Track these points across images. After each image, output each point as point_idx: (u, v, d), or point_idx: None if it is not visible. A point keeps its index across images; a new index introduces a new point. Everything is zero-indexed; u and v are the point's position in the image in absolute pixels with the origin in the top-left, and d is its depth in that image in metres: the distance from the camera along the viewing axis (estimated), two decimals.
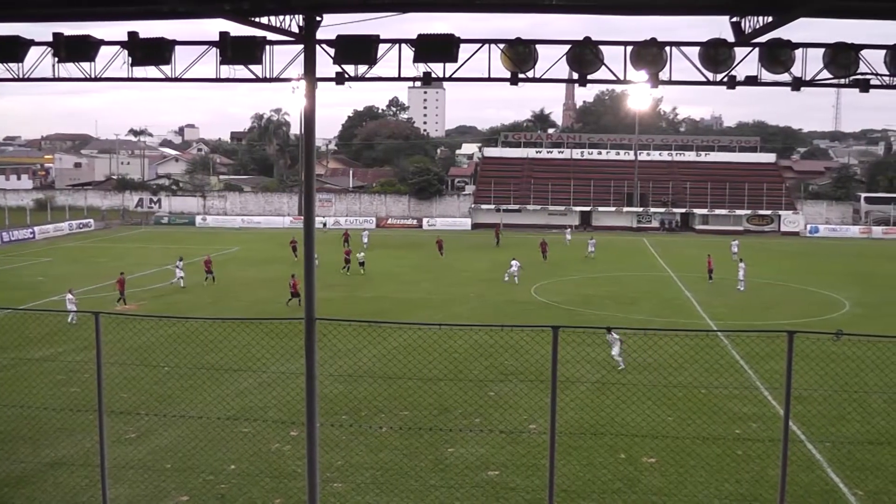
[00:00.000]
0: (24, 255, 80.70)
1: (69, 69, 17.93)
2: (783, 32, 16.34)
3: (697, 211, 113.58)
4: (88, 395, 27.60)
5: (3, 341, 40.22)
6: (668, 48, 16.52)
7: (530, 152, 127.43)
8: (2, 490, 23.47)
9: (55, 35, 17.64)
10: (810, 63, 16.41)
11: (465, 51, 16.62)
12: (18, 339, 39.91)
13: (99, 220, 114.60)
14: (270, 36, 16.89)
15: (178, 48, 17.31)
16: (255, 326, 39.05)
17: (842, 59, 16.23)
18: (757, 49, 16.40)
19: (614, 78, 16.83)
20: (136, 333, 37.49)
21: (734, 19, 16.65)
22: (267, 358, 33.26)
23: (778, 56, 16.31)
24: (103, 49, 17.59)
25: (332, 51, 16.53)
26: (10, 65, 18.06)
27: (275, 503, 22.26)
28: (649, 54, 16.49)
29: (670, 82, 16.80)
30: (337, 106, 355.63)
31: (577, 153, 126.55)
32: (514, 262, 62.37)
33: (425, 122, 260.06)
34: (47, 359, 37.07)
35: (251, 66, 17.06)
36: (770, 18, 15.96)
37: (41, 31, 18.26)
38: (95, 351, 16.97)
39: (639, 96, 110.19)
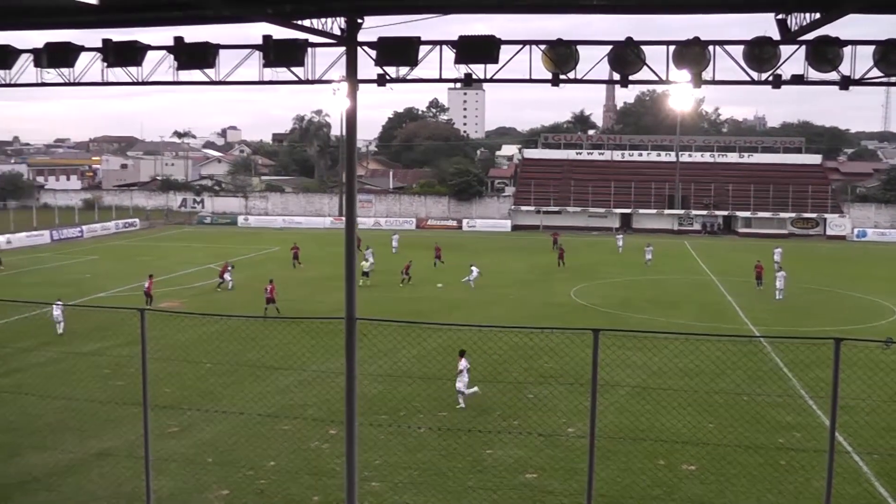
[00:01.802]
0: (72, 252, 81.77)
1: (117, 73, 18.23)
2: (831, 29, 15.95)
3: (740, 214, 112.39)
4: (133, 389, 28.01)
5: (52, 336, 40.94)
6: (711, 47, 16.19)
7: (570, 154, 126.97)
8: (50, 478, 23.93)
9: (104, 41, 17.96)
10: (859, 61, 15.96)
11: (505, 52, 16.62)
12: (67, 334, 40.49)
13: (144, 220, 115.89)
14: (312, 38, 16.99)
15: (222, 52, 17.50)
16: (295, 325, 39.28)
17: (893, 56, 15.68)
18: (803, 47, 16.00)
19: (656, 78, 16.56)
20: (178, 330, 37.92)
21: (779, 16, 16.19)
22: (307, 356, 33.43)
23: (825, 54, 15.87)
24: (150, 54, 17.85)
25: (373, 53, 16.61)
26: (62, 70, 18.41)
27: (313, 500, 22.41)
28: (692, 54, 16.21)
29: (713, 82, 16.49)
30: (377, 107, 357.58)
31: (617, 154, 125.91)
32: (473, 269, 61.36)
33: (465, 124, 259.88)
34: (94, 353, 37.65)
35: (293, 69, 17.18)
36: (817, 15, 15.57)
37: (91, 37, 18.55)
38: (140, 346, 17.19)
39: (680, 96, 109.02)
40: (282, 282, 59.87)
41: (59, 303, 42.41)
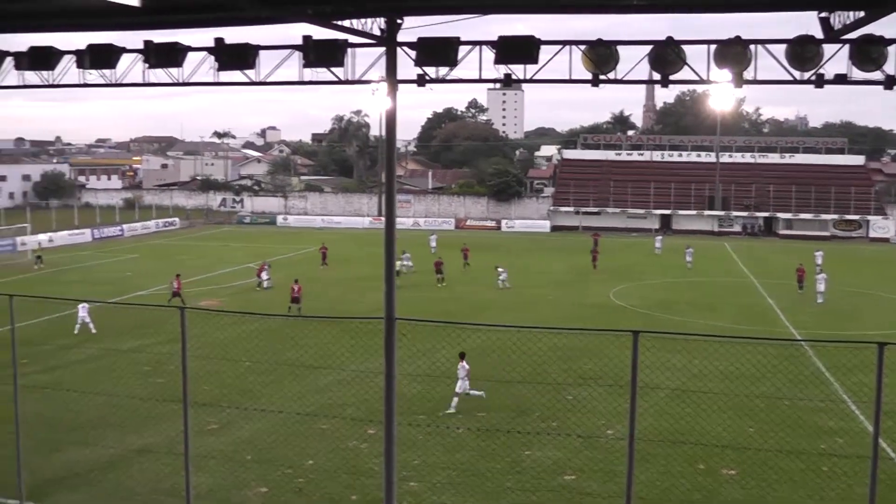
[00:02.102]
0: (112, 251, 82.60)
1: (158, 74, 18.40)
2: (875, 28, 15.71)
3: (781, 215, 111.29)
4: (173, 386, 28.24)
5: (93, 333, 41.33)
6: (752, 46, 16.02)
7: (610, 154, 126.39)
8: (91, 473, 24.22)
9: (146, 42, 18.14)
10: None
11: (545, 52, 16.57)
12: (107, 331, 40.92)
13: (184, 219, 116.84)
14: (352, 39, 17.04)
15: (262, 52, 17.60)
16: (334, 325, 39.43)
17: None
18: (847, 46, 15.78)
19: (697, 78, 16.39)
20: (218, 328, 38.20)
21: (822, 15, 15.97)
22: (345, 356, 33.54)
23: (869, 53, 15.63)
24: (191, 55, 18.02)
25: (413, 53, 16.63)
26: (104, 71, 18.59)
27: (351, 499, 22.47)
28: (733, 53, 16.02)
29: (755, 81, 16.30)
30: (416, 107, 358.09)
31: (657, 155, 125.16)
32: (500, 270, 61.24)
33: (504, 124, 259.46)
34: (135, 350, 38.03)
35: (333, 69, 17.24)
36: (861, 13, 15.32)
37: (132, 39, 18.74)
38: (181, 344, 17.33)
39: (721, 96, 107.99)
40: (319, 282, 60.25)
41: (85, 305, 43.24)
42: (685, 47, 16.29)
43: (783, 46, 16.00)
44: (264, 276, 58.86)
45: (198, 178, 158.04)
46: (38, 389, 29.91)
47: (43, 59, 19.05)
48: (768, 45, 16.09)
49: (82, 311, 43.12)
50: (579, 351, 35.81)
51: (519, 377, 31.46)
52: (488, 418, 29.18)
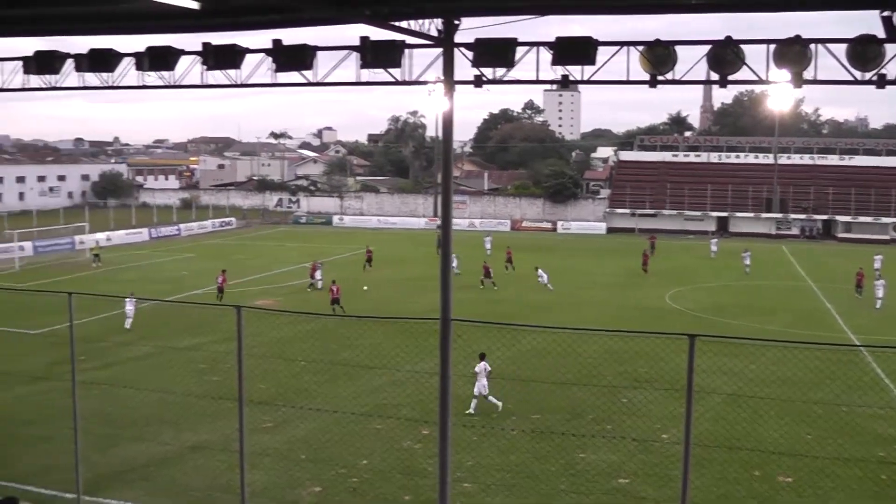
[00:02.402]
0: (169, 250, 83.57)
1: (216, 76, 18.55)
2: None
3: (840, 218, 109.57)
4: (228, 384, 28.47)
5: (149, 330, 41.93)
6: (812, 46, 15.72)
7: (666, 156, 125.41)
8: (147, 469, 24.56)
9: (204, 44, 18.31)
10: None
11: (602, 53, 16.48)
12: (164, 330, 41.42)
13: (240, 219, 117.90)
14: (410, 39, 17.07)
15: (319, 53, 17.68)
16: (389, 325, 39.57)
17: None
18: None
19: (756, 78, 16.12)
20: (273, 328, 38.51)
21: (885, 13, 15.71)
22: (400, 356, 33.63)
23: None
24: (248, 56, 18.14)
25: (470, 54, 16.62)
26: (163, 73, 18.81)
27: (404, 500, 22.54)
28: (793, 52, 15.75)
29: (814, 81, 15.98)
30: (472, 108, 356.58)
31: (714, 156, 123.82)
32: (541, 272, 61.01)
33: (560, 125, 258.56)
34: (190, 348, 38.42)
35: (390, 70, 17.28)
36: None
37: (191, 41, 18.94)
38: (237, 343, 17.47)
39: (779, 97, 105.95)
40: (373, 282, 60.47)
41: (131, 297, 44.31)
42: (744, 47, 16.04)
43: (844, 46, 15.70)
44: (318, 275, 59.20)
45: (254, 178, 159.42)
46: (95, 385, 30.34)
47: (103, 61, 19.28)
48: (829, 45, 15.78)
49: (129, 304, 44.01)
50: (634, 354, 35.60)
51: (573, 379, 31.35)
52: (542, 420, 29.11)
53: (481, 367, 30.26)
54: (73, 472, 20.23)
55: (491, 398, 30.19)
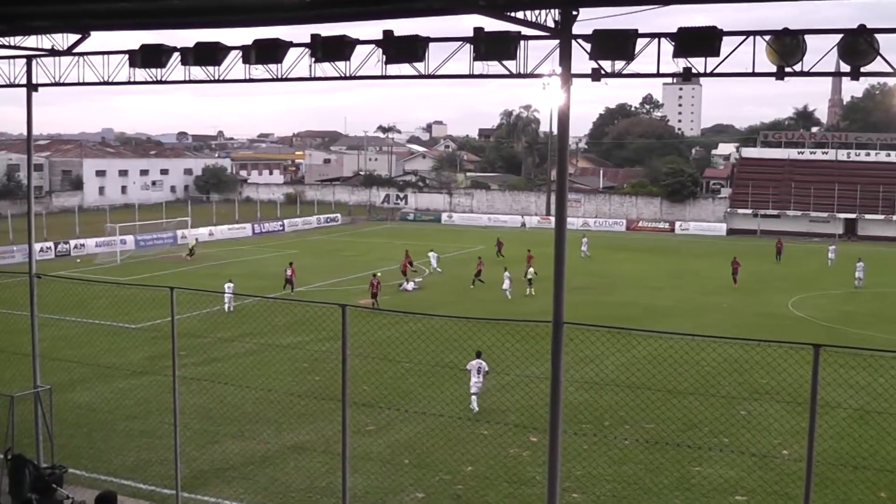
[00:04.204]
0: (272, 246, 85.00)
1: (325, 69, 18.74)
2: None
3: None
4: (330, 385, 28.93)
5: (251, 327, 42.72)
6: None
7: (791, 153, 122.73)
8: (246, 467, 25.06)
9: (313, 36, 18.47)
10: None
11: (726, 44, 16.22)
12: (266, 326, 42.16)
13: (345, 215, 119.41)
14: (525, 31, 17.04)
15: (431, 45, 17.76)
16: (497, 327, 39.57)
17: None
18: None
19: (890, 70, 15.69)
20: (378, 328, 38.88)
21: None
22: (509, 360, 33.62)
23: None
24: (358, 48, 18.26)
25: (588, 46, 16.51)
26: (270, 66, 19.08)
27: None
28: None
29: None
30: (587, 102, 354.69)
31: (842, 154, 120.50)
32: (507, 275, 59.47)
33: (680, 121, 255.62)
34: (292, 346, 39.05)
35: (504, 62, 17.26)
36: None
37: (299, 33, 19.20)
38: (341, 342, 17.67)
39: None
40: (485, 282, 60.60)
41: (230, 284, 47.76)
42: (878, 36, 15.61)
43: None
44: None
45: (361, 173, 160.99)
46: (196, 381, 31.13)
47: (209, 54, 19.57)
48: None
49: (228, 290, 45.38)
50: (754, 363, 35.00)
51: (689, 388, 30.98)
52: (656, 430, 28.86)
53: (479, 364, 31.00)
54: (172, 467, 20.75)
55: (474, 399, 31.06)
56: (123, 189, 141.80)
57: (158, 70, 20.26)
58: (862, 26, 15.58)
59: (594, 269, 66.45)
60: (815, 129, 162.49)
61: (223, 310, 48.69)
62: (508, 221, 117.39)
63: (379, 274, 55.20)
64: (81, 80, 21.24)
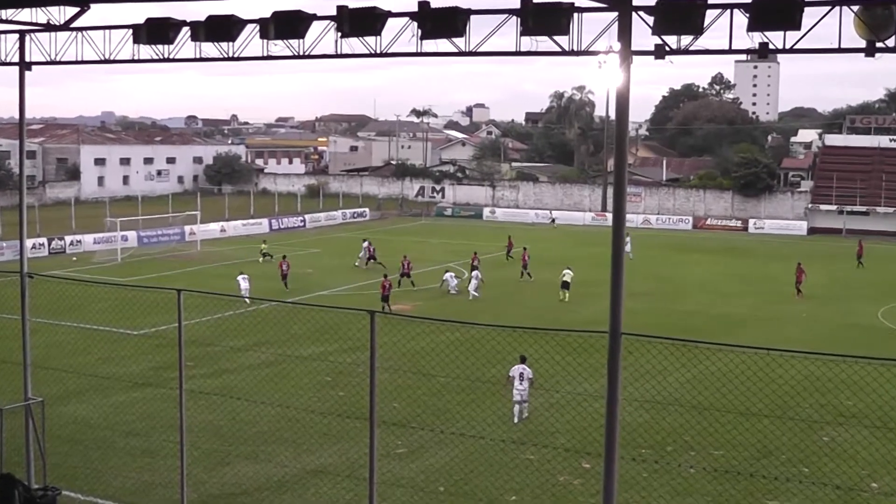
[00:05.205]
0: (292, 244, 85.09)
1: (352, 45, 18.69)
2: None
3: None
4: (355, 401, 29.01)
5: (267, 335, 42.86)
6: None
7: (883, 140, 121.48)
8: (261, 493, 25.17)
9: (339, 8, 18.41)
10: None
11: (808, 16, 16.08)
12: (284, 335, 42.27)
13: (374, 210, 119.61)
14: (579, 2, 16.96)
15: (472, 17, 17.68)
16: (545, 337, 39.45)
17: None
18: None
19: None
20: (410, 337, 38.72)
21: None
22: (558, 375, 33.52)
23: None
24: (390, 21, 18.20)
25: (650, 19, 16.42)
26: (290, 41, 19.05)
27: None
28: None
29: None
30: (649, 83, 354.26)
31: None
32: (448, 275, 60.67)
33: (754, 104, 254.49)
34: (314, 357, 39.14)
35: (555, 38, 17.18)
36: None
37: (324, 4, 19.16)
38: (369, 353, 17.67)
39: None
40: (530, 286, 60.56)
41: (244, 275, 51.52)
42: None
43: None
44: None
45: (392, 162, 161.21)
46: (205, 395, 31.20)
47: (222, 28, 19.55)
48: None
49: (244, 282, 45.92)
50: (839, 382, 34.67)
51: (765, 410, 30.82)
52: (726, 457, 28.71)
53: (518, 370, 31.77)
54: (178, 491, 20.86)
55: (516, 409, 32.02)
56: (125, 179, 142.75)
57: (165, 47, 20.33)
58: None
59: (655, 273, 66.19)
60: None
61: (244, 303, 50.59)
62: (559, 218, 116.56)
63: (391, 277, 55.71)
64: (80, 59, 21.39)
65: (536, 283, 63.11)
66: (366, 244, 72.71)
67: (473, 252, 66.14)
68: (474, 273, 60.76)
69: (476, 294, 58.49)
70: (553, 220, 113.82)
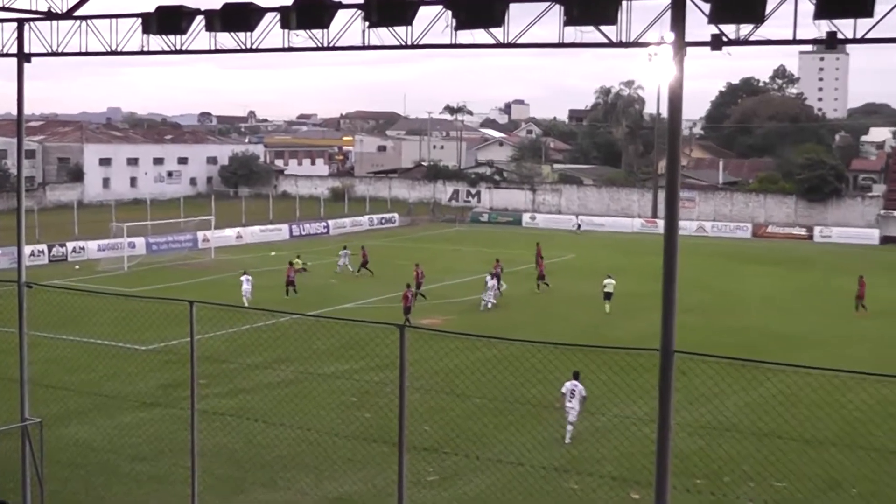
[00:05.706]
0: (314, 252, 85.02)
1: (381, 35, 18.66)
2: None
3: None
4: (382, 424, 28.99)
5: (287, 352, 42.83)
6: None
7: None
8: None
9: None
10: None
11: (882, 2, 15.98)
12: (304, 351, 42.29)
13: (404, 215, 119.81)
14: None
15: (511, 6, 17.64)
16: (590, 355, 39.32)
17: None
18: None
19: None
20: (443, 354, 38.71)
21: None
22: (604, 396, 33.42)
23: None
24: (422, 10, 18.15)
25: (706, 6, 16.37)
26: (314, 32, 19.03)
27: None
28: None
29: None
30: (705, 77, 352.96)
31: None
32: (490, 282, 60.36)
33: (820, 99, 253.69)
34: (337, 375, 39.20)
35: (602, 28, 17.14)
36: None
37: None
38: (398, 371, 17.66)
39: None
40: (572, 299, 60.47)
41: (247, 276, 52.80)
42: None
43: None
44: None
45: (423, 163, 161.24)
46: (218, 416, 31.29)
47: (240, 17, 19.53)
48: None
49: (246, 283, 46.31)
50: None
51: (832, 437, 30.63)
52: (789, 490, 28.51)
53: (569, 387, 32.11)
54: None
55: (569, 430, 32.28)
56: (133, 181, 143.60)
57: (177, 37, 20.37)
58: None
59: (711, 285, 65.88)
60: None
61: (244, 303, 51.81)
62: (605, 224, 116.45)
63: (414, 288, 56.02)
64: (83, 50, 21.47)
65: (577, 295, 62.93)
66: (344, 251, 74.22)
67: (496, 259, 65.91)
68: (493, 283, 60.46)
69: (486, 301, 59.04)
70: (578, 226, 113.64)
